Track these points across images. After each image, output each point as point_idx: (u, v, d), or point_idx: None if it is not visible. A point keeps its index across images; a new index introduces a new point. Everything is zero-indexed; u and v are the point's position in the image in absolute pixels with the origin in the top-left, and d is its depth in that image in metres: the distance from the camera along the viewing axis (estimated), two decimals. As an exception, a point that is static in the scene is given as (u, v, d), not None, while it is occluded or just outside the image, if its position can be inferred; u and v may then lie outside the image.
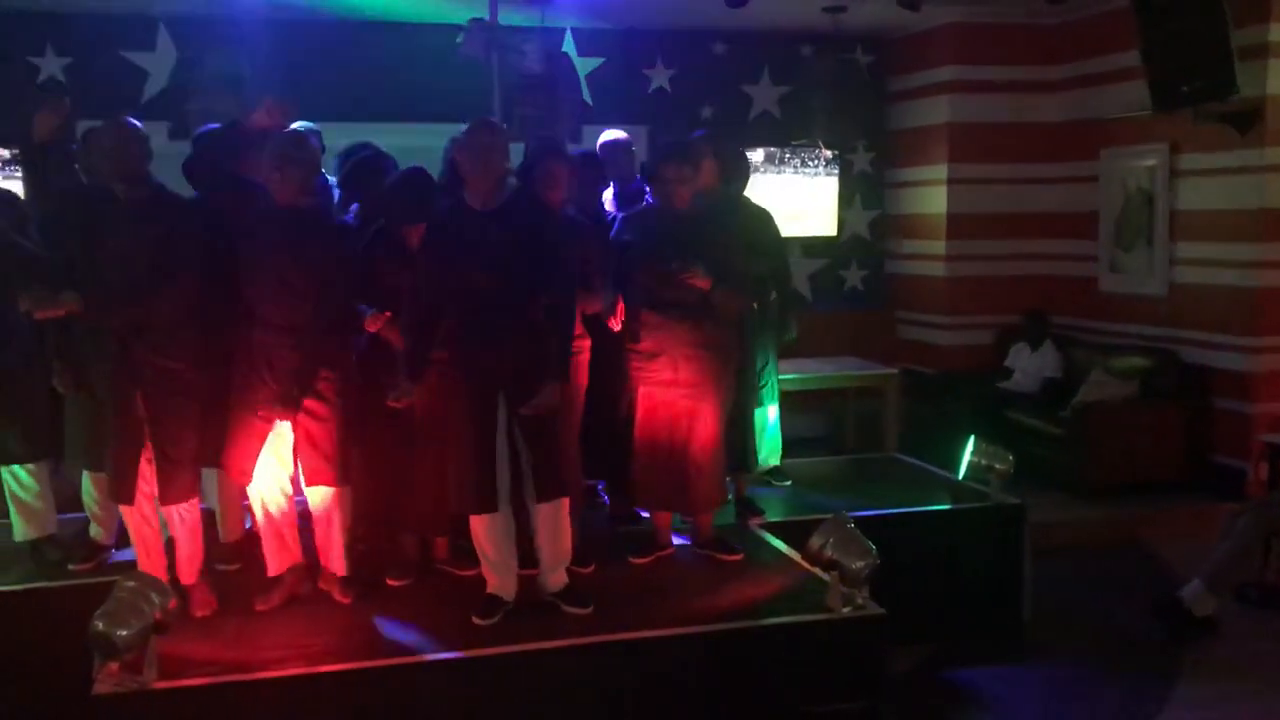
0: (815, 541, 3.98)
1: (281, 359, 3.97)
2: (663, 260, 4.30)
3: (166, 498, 4.02)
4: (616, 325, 4.45)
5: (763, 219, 5.23)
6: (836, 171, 8.75)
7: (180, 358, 3.98)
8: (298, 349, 3.97)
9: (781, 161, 8.57)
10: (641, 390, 4.45)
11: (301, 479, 4.13)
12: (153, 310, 3.92)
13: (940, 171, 8.37)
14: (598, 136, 5.25)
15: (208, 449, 4.19)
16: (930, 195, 8.51)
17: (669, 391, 4.41)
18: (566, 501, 4.06)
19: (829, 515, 4.18)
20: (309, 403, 4.01)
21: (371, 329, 4.12)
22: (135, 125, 4.01)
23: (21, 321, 4.34)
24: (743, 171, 5.35)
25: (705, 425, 4.42)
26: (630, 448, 4.49)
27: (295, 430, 4.04)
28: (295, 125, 4.63)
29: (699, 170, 4.51)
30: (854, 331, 8.69)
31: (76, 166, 4.69)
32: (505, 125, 6.82)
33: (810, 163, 8.65)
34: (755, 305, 5.00)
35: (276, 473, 4.10)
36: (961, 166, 8.29)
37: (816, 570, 4.13)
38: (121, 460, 4.02)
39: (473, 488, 3.92)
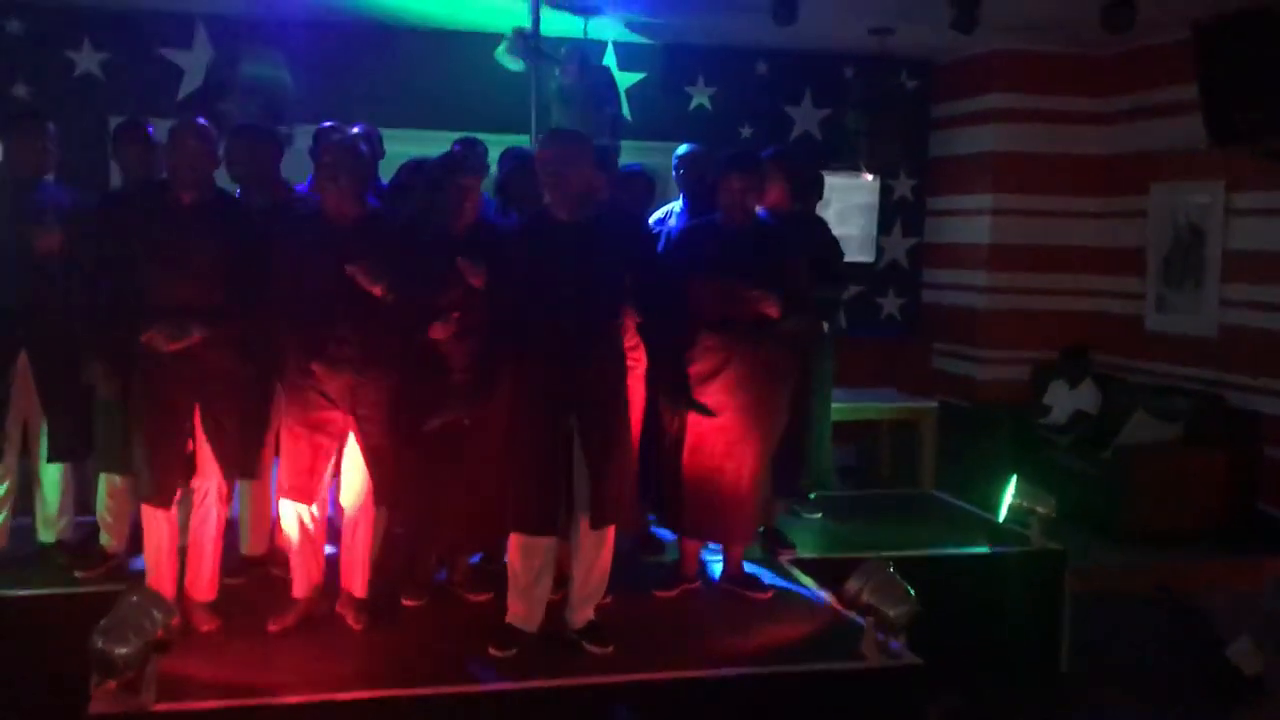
0: (853, 585, 3.80)
1: (346, 372, 3.85)
2: (730, 278, 4.14)
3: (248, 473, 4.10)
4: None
5: (831, 241, 5.11)
6: (876, 197, 8.57)
7: (237, 357, 3.93)
8: (363, 362, 3.85)
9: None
10: (692, 413, 4.26)
11: (347, 493, 3.99)
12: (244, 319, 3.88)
13: (984, 201, 8.17)
14: (635, 152, 5.13)
15: (245, 460, 4.07)
16: (973, 225, 8.30)
17: (723, 416, 4.23)
18: (612, 532, 3.89)
19: (865, 555, 4.02)
20: (374, 416, 3.90)
21: (437, 335, 3.95)
22: (208, 126, 3.96)
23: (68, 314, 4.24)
24: (817, 188, 5.23)
25: (754, 452, 4.26)
26: (677, 473, 4.29)
27: (365, 445, 3.91)
28: (355, 129, 4.52)
29: (765, 182, 4.38)
30: (888, 360, 8.49)
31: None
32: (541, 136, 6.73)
33: (850, 187, 8.48)
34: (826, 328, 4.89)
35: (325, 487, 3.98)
36: (1006, 197, 8.08)
37: (850, 613, 3.95)
38: (162, 463, 3.89)
39: (535, 507, 3.76)
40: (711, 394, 4.22)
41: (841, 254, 5.26)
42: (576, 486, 3.80)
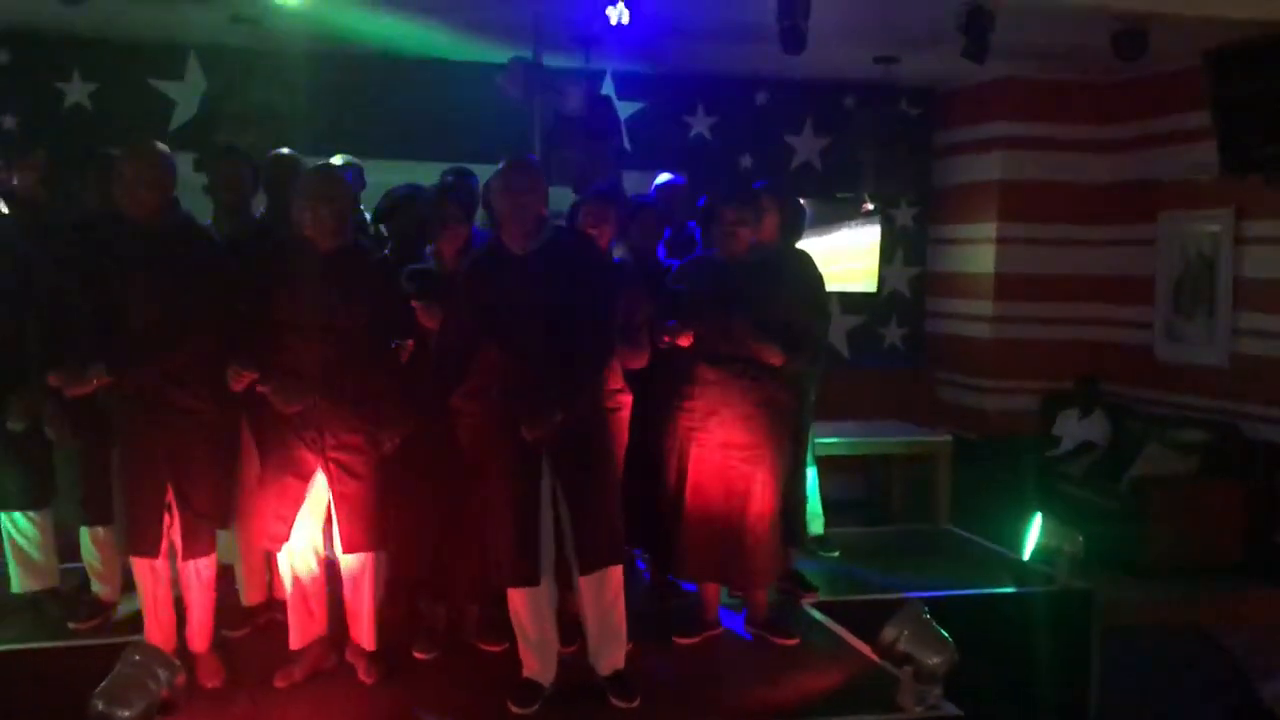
0: (889, 633, 3.64)
1: (313, 412, 3.65)
2: (724, 313, 3.99)
3: (191, 552, 3.71)
4: (687, 340, 4.03)
5: (818, 275, 4.97)
6: (878, 226, 8.47)
7: (205, 397, 3.69)
8: (331, 400, 3.65)
9: (822, 214, 8.28)
10: (693, 452, 4.11)
11: (336, 543, 3.79)
12: (186, 356, 3.65)
13: (988, 230, 8.06)
14: (637, 182, 5.03)
15: (226, 505, 3.89)
16: (977, 253, 8.20)
17: (724, 454, 4.07)
18: (619, 573, 3.71)
19: (889, 597, 3.88)
20: (345, 459, 3.69)
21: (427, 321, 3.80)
22: (166, 150, 3.76)
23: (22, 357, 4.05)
24: (800, 222, 5.08)
25: (763, 491, 4.09)
26: (677, 514, 4.13)
27: (332, 489, 3.71)
28: (336, 159, 4.38)
29: (760, 216, 4.23)
30: (891, 391, 8.34)
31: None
32: (545, 168, 6.61)
33: (851, 216, 8.38)
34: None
35: (309, 533, 3.77)
36: (1011, 225, 7.97)
37: (884, 662, 3.79)
38: (141, 511, 3.70)
39: (514, 558, 3.58)
40: (713, 431, 4.07)
41: (824, 290, 5.12)
42: (563, 531, 3.63)
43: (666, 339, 3.98)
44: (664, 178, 4.98)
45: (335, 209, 3.69)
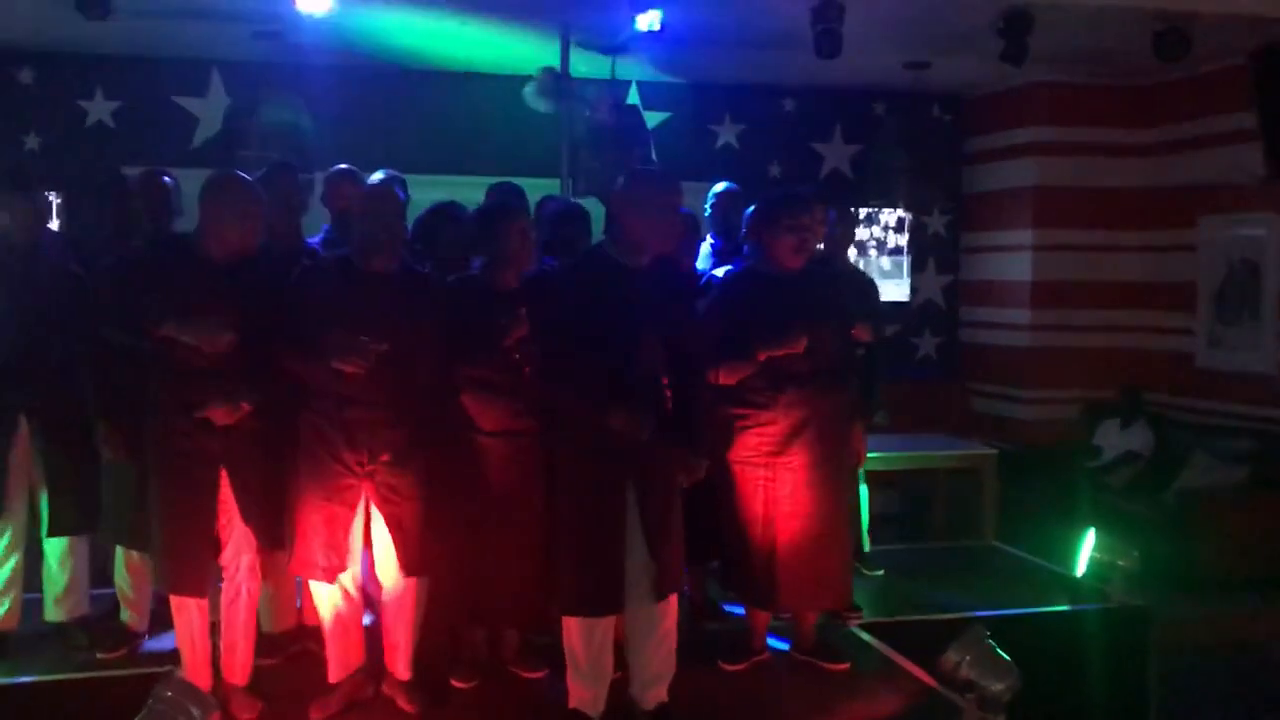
0: (951, 658, 3.49)
1: (365, 435, 3.53)
2: (812, 328, 3.83)
3: (262, 574, 3.69)
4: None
5: (872, 284, 4.89)
6: (909, 234, 8.34)
7: (265, 414, 3.59)
8: (386, 423, 3.53)
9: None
10: (780, 476, 3.88)
11: (380, 569, 3.66)
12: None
13: (1023, 236, 7.91)
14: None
15: (276, 529, 3.76)
16: (1012, 261, 8.04)
17: (809, 472, 3.88)
18: (675, 599, 3.58)
19: (940, 617, 3.73)
20: (393, 480, 3.56)
21: (520, 333, 3.65)
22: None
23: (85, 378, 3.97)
24: (852, 233, 4.99)
25: (844, 505, 4.00)
26: (771, 545, 3.90)
27: (383, 513, 3.57)
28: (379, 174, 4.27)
29: (823, 227, 4.16)
30: (924, 402, 8.18)
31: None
32: (572, 179, 6.52)
33: (882, 224, 8.25)
34: None
35: (353, 561, 3.64)
36: (1047, 232, 7.82)
37: (944, 689, 3.63)
38: (188, 546, 3.56)
39: (596, 586, 3.44)
40: (798, 450, 3.88)
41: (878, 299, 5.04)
42: (630, 556, 3.48)
43: (763, 354, 3.81)
44: (720, 186, 4.88)
45: (399, 229, 3.62)
